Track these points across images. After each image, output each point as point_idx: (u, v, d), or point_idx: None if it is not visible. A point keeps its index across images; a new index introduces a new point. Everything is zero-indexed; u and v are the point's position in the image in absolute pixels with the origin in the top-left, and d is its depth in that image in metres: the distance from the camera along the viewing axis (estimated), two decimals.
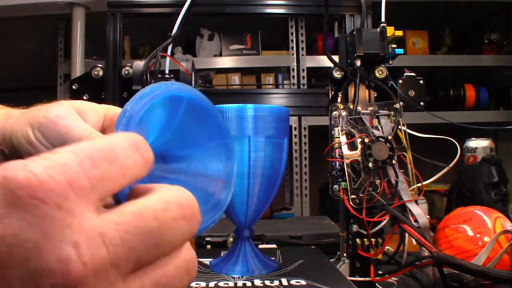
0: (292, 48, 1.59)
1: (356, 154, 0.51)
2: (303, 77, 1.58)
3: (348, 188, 0.50)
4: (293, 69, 1.59)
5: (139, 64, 0.57)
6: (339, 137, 0.53)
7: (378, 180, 0.50)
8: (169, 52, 0.58)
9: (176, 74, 0.59)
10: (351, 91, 0.57)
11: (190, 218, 0.18)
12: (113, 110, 0.29)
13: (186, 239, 0.18)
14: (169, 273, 0.18)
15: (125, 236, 0.16)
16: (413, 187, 0.51)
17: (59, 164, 0.15)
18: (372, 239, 0.51)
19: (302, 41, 1.60)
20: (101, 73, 0.60)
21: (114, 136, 0.18)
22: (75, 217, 0.15)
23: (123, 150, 0.18)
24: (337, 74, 0.58)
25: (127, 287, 0.16)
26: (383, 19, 0.56)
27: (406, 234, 0.50)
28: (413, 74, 0.58)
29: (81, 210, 0.15)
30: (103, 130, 0.28)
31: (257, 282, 0.44)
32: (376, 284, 0.53)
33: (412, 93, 0.57)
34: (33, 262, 0.14)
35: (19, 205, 0.14)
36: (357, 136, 0.51)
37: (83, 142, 0.17)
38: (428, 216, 0.50)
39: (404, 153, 0.51)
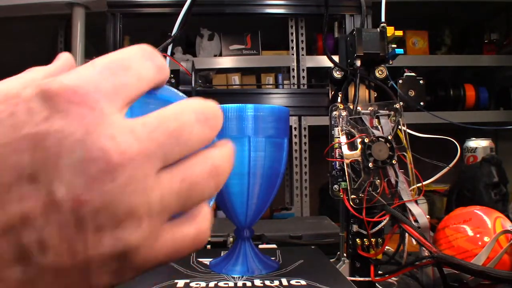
0: (292, 48, 1.59)
1: (356, 154, 0.51)
2: (303, 77, 1.58)
3: (348, 188, 0.50)
4: (293, 69, 1.59)
5: None
6: (339, 137, 0.53)
7: (378, 180, 0.50)
8: (169, 52, 0.58)
9: (176, 74, 0.59)
10: (351, 91, 0.57)
11: (203, 122, 0.20)
12: None
13: (203, 141, 0.20)
14: (194, 173, 0.19)
15: (152, 133, 0.18)
16: (413, 187, 0.51)
17: (83, 75, 0.18)
18: (372, 239, 0.51)
19: (302, 41, 1.60)
20: None
21: (126, 49, 0.20)
22: (107, 116, 0.17)
23: (135, 59, 0.20)
24: (337, 74, 0.58)
25: (159, 180, 0.18)
26: (383, 19, 0.56)
27: (406, 234, 0.50)
28: (413, 74, 0.58)
29: (110, 111, 0.18)
30: None
31: (257, 282, 0.44)
32: (376, 284, 0.53)
33: (412, 93, 0.57)
34: (79, 152, 0.17)
35: (59, 109, 0.17)
36: (357, 136, 0.51)
37: (98, 58, 0.19)
38: (428, 216, 0.50)
39: (404, 153, 0.51)
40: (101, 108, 0.17)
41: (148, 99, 0.26)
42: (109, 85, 0.18)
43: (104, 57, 0.19)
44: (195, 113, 0.20)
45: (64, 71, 0.22)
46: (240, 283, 0.44)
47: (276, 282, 0.44)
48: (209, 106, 0.20)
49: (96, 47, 1.63)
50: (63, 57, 0.25)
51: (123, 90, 0.19)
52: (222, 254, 0.53)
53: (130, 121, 0.18)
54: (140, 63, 0.20)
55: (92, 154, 0.17)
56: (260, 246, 0.66)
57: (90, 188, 0.17)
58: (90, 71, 0.18)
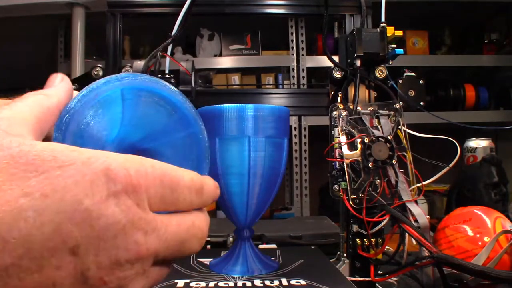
0: (292, 48, 1.60)
1: (356, 154, 0.51)
2: (303, 77, 1.58)
3: (348, 188, 0.50)
4: (293, 69, 1.59)
5: (139, 64, 0.57)
6: (339, 137, 0.53)
7: (378, 180, 0.50)
8: (169, 52, 0.58)
9: (176, 74, 0.59)
10: (351, 91, 0.57)
11: (201, 242, 0.24)
12: None
13: (194, 251, 0.24)
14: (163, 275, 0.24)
15: (167, 240, 0.22)
16: (413, 187, 0.51)
17: (144, 172, 0.21)
18: (372, 239, 0.51)
19: (302, 41, 1.60)
20: (101, 73, 0.60)
21: (185, 173, 0.23)
22: (145, 212, 0.20)
23: (184, 186, 0.23)
24: (337, 74, 0.58)
25: (150, 274, 0.22)
26: (383, 19, 0.56)
27: (406, 234, 0.50)
28: (413, 74, 0.58)
29: (147, 210, 0.21)
30: None
31: (257, 282, 0.44)
32: (376, 284, 0.53)
33: (412, 93, 0.57)
34: (119, 239, 0.19)
35: (116, 194, 0.19)
36: (357, 136, 0.51)
37: (162, 164, 0.22)
38: (428, 216, 0.50)
39: (404, 153, 0.51)
40: (144, 206, 0.20)
41: (140, 92, 0.26)
42: (154, 192, 0.21)
43: (164, 166, 0.22)
44: (200, 237, 0.24)
45: (65, 98, 0.25)
46: (240, 283, 0.44)
47: (276, 282, 0.44)
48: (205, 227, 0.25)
49: (96, 47, 1.63)
50: (61, 83, 0.26)
51: (161, 201, 0.22)
52: (222, 254, 0.53)
53: (156, 220, 0.21)
54: (186, 192, 0.23)
55: (127, 244, 0.19)
56: (260, 246, 0.66)
57: (113, 272, 0.19)
58: (149, 172, 0.21)
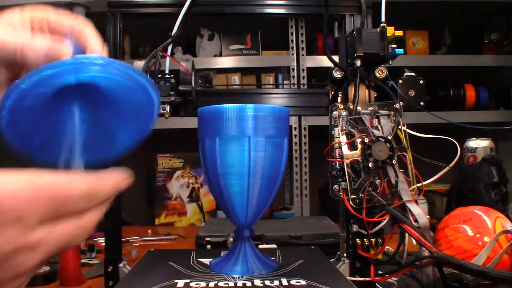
0: (292, 48, 1.59)
1: (356, 154, 0.51)
2: (303, 77, 1.58)
3: (348, 188, 0.50)
4: (293, 69, 1.59)
5: (139, 64, 0.57)
6: (339, 137, 0.53)
7: (378, 180, 0.50)
8: (169, 52, 0.58)
9: (176, 74, 0.59)
10: (351, 91, 0.57)
11: (85, 235, 0.26)
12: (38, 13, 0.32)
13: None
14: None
15: (52, 245, 0.23)
16: (413, 187, 0.51)
17: (32, 199, 0.22)
18: (372, 239, 0.51)
19: (302, 41, 1.59)
20: None
21: (79, 183, 0.24)
22: (31, 236, 0.22)
23: (76, 198, 0.24)
24: (337, 74, 0.58)
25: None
26: (383, 19, 0.56)
27: (406, 234, 0.50)
28: (413, 74, 0.58)
29: (34, 229, 0.22)
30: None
31: (257, 282, 0.44)
32: (376, 284, 0.53)
33: (412, 93, 0.57)
34: (2, 266, 0.21)
35: (2, 227, 0.21)
36: (357, 136, 0.51)
37: (55, 181, 0.23)
38: (428, 216, 0.50)
39: (404, 153, 0.51)
40: (30, 229, 0.22)
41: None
42: (42, 212, 0.22)
43: (55, 183, 0.23)
44: (85, 234, 0.25)
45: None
46: (240, 283, 0.44)
47: (276, 282, 0.44)
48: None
49: None
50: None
51: (50, 216, 0.23)
52: (222, 254, 0.53)
53: (42, 236, 0.22)
54: (76, 202, 0.24)
55: (11, 267, 0.21)
56: (260, 246, 0.66)
57: None
58: (39, 196, 0.22)
